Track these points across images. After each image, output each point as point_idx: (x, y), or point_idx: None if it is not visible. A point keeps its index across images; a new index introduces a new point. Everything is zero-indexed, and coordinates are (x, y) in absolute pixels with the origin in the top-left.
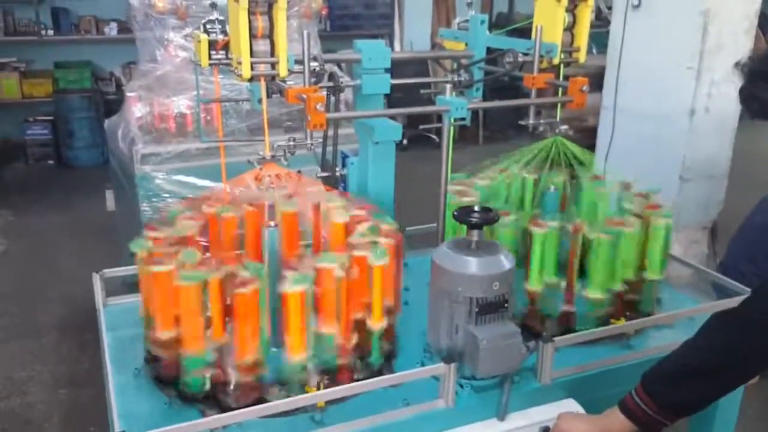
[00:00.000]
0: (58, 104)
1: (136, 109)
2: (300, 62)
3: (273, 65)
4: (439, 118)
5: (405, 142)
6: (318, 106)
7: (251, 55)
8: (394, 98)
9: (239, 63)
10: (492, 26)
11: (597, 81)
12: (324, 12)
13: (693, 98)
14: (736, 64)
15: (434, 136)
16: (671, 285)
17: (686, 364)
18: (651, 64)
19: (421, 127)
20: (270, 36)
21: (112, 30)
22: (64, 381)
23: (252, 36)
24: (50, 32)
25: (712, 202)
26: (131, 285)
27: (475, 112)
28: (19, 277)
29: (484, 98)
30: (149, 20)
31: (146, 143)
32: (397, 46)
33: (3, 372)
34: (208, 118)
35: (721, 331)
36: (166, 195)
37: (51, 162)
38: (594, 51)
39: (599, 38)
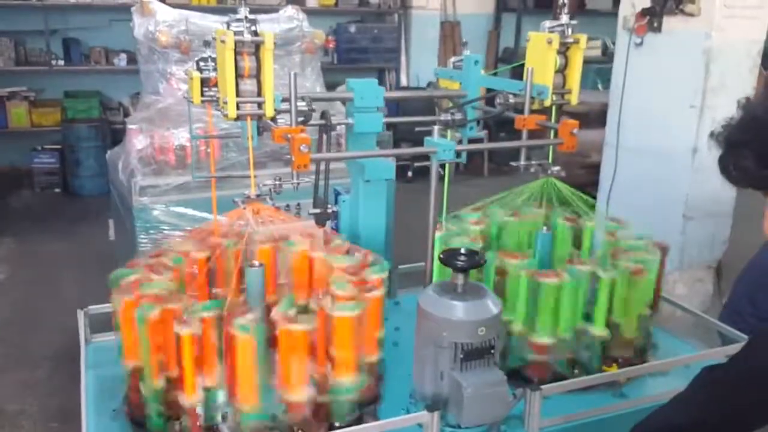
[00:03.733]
0: (66, 133)
1: (137, 141)
2: (287, 99)
3: (260, 105)
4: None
5: (410, 174)
6: (302, 147)
7: (238, 95)
8: (400, 130)
9: (225, 103)
10: (499, 61)
11: (602, 118)
12: (331, 45)
13: (696, 137)
14: (711, 134)
15: (440, 169)
16: (671, 329)
17: (672, 420)
18: (653, 102)
19: (416, 164)
20: (257, 76)
21: (121, 61)
22: (55, 415)
23: (239, 76)
24: (61, 62)
25: (716, 241)
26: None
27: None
28: (18, 306)
29: (490, 133)
30: (153, 54)
31: (145, 175)
32: (403, 79)
33: None
34: (208, 150)
35: (708, 388)
36: (164, 227)
37: (57, 190)
38: (600, 87)
39: (605, 74)
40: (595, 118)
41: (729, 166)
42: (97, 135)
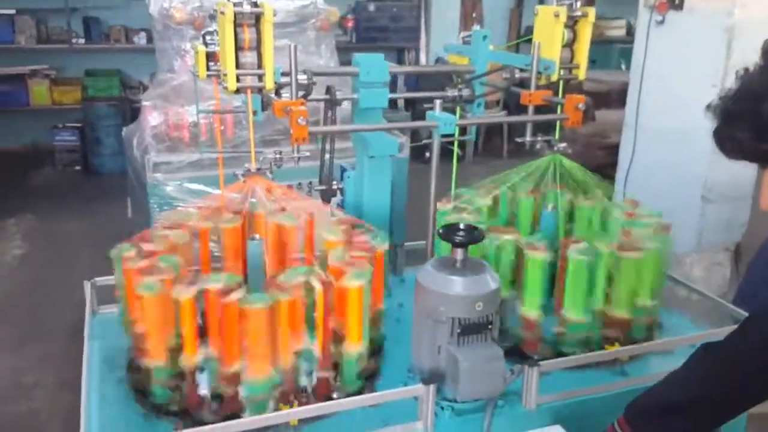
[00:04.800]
0: (86, 111)
1: (152, 118)
2: (287, 74)
3: (260, 77)
4: (463, 132)
5: (428, 155)
6: (300, 120)
7: (238, 67)
8: (419, 110)
9: (225, 75)
10: (520, 39)
11: (623, 98)
12: (350, 24)
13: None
14: (708, 106)
15: (457, 149)
16: (685, 309)
17: (669, 397)
18: (674, 81)
19: (423, 141)
20: (258, 48)
21: (141, 39)
22: (70, 387)
23: (239, 48)
24: (81, 41)
25: (735, 224)
26: None
27: (499, 125)
28: (35, 281)
29: (509, 113)
30: (168, 31)
31: (159, 152)
32: (422, 58)
33: (13, 378)
34: (222, 128)
35: (705, 365)
36: (178, 203)
37: (78, 168)
38: (623, 67)
39: (629, 54)
40: (616, 98)
41: (724, 138)
42: (116, 113)
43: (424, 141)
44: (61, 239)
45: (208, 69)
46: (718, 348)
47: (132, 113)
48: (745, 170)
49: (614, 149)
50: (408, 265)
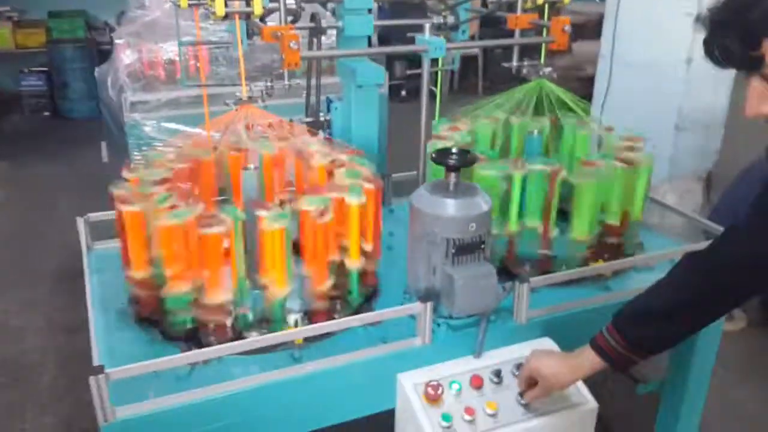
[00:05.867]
0: (52, 55)
1: (125, 56)
2: (276, 0)
3: (248, 2)
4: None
5: (404, 93)
6: (292, 44)
7: None
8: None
9: (212, 0)
10: None
11: (599, 29)
12: None
13: (690, 46)
14: (697, 19)
15: (433, 88)
16: (661, 232)
17: (655, 302)
18: (650, 11)
19: (408, 72)
20: None
21: None
22: (60, 328)
23: None
24: None
25: (707, 152)
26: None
27: (473, 62)
28: (16, 226)
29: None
30: None
31: (135, 91)
32: None
33: (1, 321)
34: (198, 65)
35: (688, 272)
36: (157, 143)
37: (47, 113)
38: None
39: None
40: (591, 29)
41: (713, 47)
42: (83, 56)
43: (401, 81)
44: (38, 185)
45: None
46: (701, 256)
47: (100, 55)
48: (718, 99)
49: (590, 81)
50: (394, 196)
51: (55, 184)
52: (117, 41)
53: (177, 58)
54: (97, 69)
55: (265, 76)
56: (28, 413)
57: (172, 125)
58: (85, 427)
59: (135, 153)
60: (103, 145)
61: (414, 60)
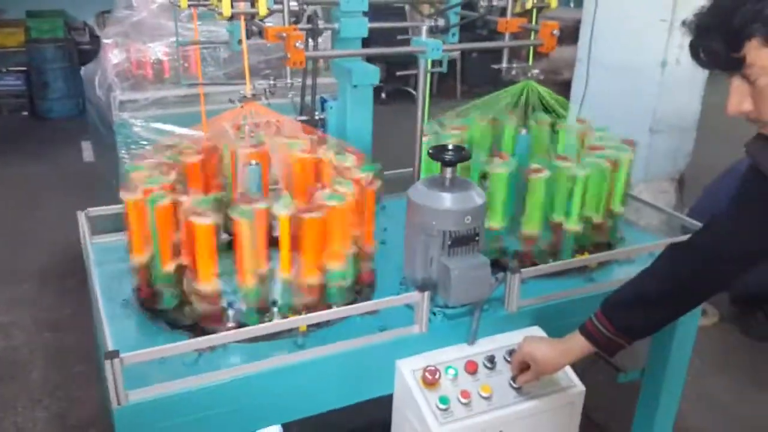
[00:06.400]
0: (31, 54)
1: (113, 56)
2: (279, 2)
3: (253, 3)
4: (416, 64)
5: (384, 96)
6: (297, 44)
7: None
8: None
9: (219, 0)
10: None
11: (575, 35)
12: None
13: (665, 50)
14: (683, 23)
15: (412, 91)
16: (640, 228)
17: (641, 290)
18: (626, 16)
19: (398, 74)
20: None
21: None
22: (47, 326)
23: None
24: None
25: (680, 154)
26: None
27: (452, 66)
28: None
29: (462, 56)
30: None
31: (124, 90)
32: None
33: None
34: (186, 65)
35: (672, 261)
36: (144, 142)
37: (25, 113)
38: (572, 5)
39: None
40: (568, 34)
41: (699, 50)
42: (63, 56)
43: (382, 84)
44: (21, 184)
45: None
46: (682, 247)
47: (80, 55)
48: (691, 103)
49: (567, 85)
50: (386, 193)
51: (37, 183)
52: (105, 41)
53: (164, 58)
54: (83, 68)
55: (253, 77)
56: (20, 407)
57: (159, 125)
58: (77, 421)
59: (122, 151)
60: (85, 144)
61: (393, 63)
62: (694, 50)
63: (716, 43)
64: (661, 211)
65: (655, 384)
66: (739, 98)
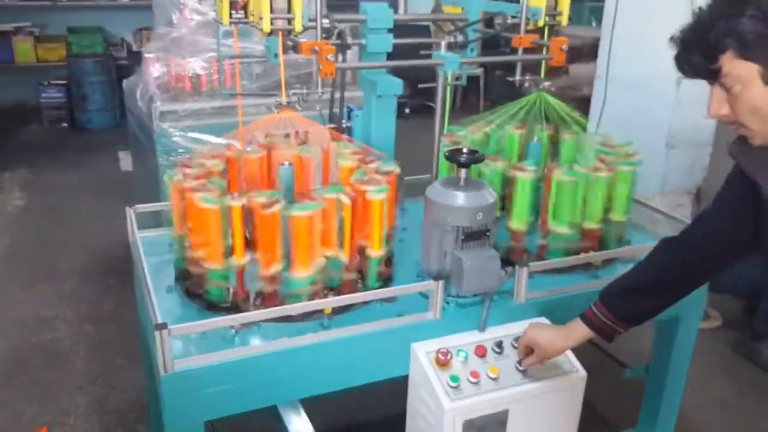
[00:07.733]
0: (71, 68)
1: (154, 69)
2: (313, 20)
3: (289, 21)
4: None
5: (407, 111)
6: (329, 57)
7: (271, 11)
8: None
9: (260, 19)
10: None
11: (594, 52)
12: None
13: None
14: (671, 39)
15: (432, 104)
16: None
17: (636, 280)
18: (643, 33)
19: (420, 86)
20: None
21: None
22: (89, 320)
23: None
24: None
25: (696, 169)
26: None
27: (476, 82)
28: (40, 229)
29: (485, 71)
30: None
31: (164, 101)
32: (401, 11)
33: (32, 311)
34: (221, 79)
35: (664, 253)
36: (182, 150)
37: (65, 124)
38: (594, 24)
39: (599, 12)
40: (587, 52)
41: (682, 62)
42: (102, 70)
43: (406, 99)
44: (59, 191)
45: (230, 17)
46: (674, 240)
47: (117, 69)
48: (707, 120)
49: (586, 101)
50: (407, 197)
51: (75, 189)
52: (147, 55)
53: (201, 72)
54: (125, 81)
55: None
56: (63, 393)
57: (196, 134)
58: (115, 407)
59: (162, 159)
60: (121, 154)
61: (417, 80)
62: (679, 62)
63: (696, 57)
64: (671, 218)
65: (658, 381)
66: (718, 104)
